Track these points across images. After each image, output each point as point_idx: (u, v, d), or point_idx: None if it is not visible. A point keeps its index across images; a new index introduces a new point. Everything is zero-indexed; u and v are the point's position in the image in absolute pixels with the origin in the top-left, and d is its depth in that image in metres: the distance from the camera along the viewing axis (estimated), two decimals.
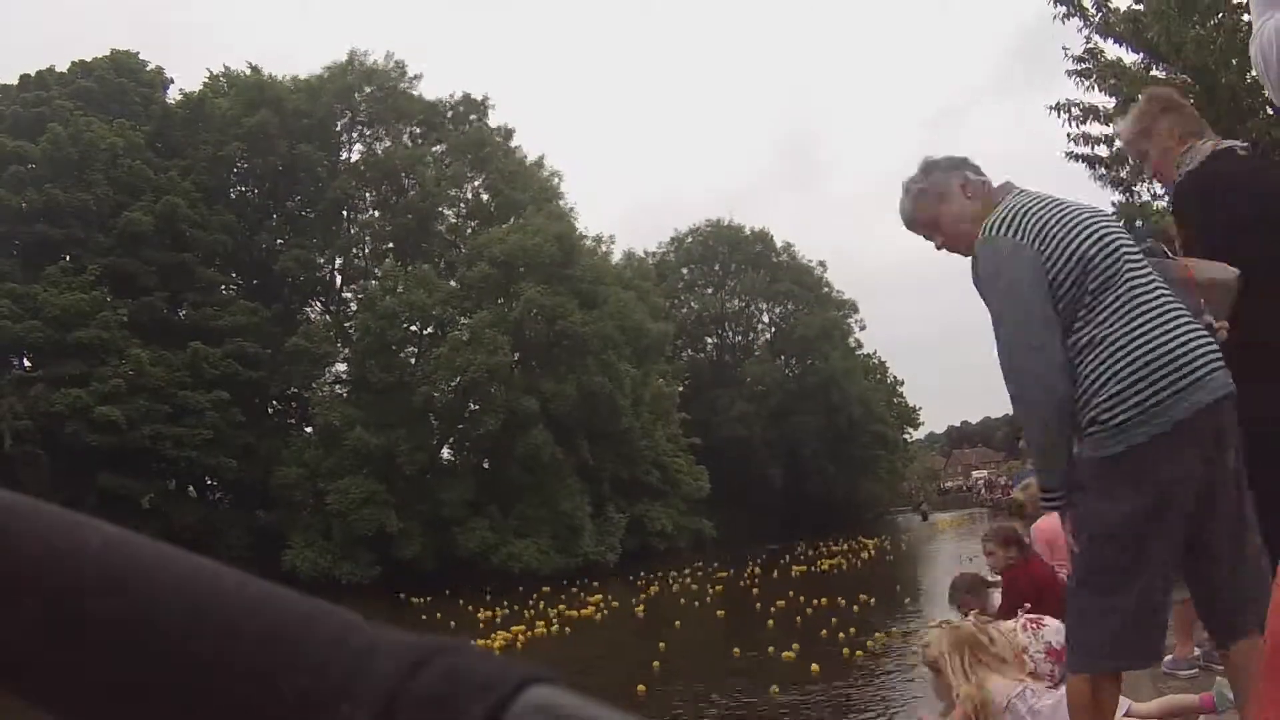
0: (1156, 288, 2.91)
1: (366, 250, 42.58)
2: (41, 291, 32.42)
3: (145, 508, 31.87)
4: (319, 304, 43.08)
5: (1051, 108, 12.74)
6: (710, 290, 61.63)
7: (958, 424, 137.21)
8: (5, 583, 0.40)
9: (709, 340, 62.43)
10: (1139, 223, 11.85)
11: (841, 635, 16.98)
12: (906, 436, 72.12)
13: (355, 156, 42.15)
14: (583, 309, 36.92)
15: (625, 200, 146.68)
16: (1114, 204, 12.54)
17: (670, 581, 30.18)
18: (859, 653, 15.70)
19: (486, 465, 38.06)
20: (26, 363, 34.13)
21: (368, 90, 41.02)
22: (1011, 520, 7.00)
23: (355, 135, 42.11)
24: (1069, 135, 12.71)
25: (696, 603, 25.22)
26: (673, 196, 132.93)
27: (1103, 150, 12.79)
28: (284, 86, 39.79)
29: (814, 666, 14.55)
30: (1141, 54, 12.06)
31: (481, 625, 22.53)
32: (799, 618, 19.53)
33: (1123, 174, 12.83)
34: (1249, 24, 12.11)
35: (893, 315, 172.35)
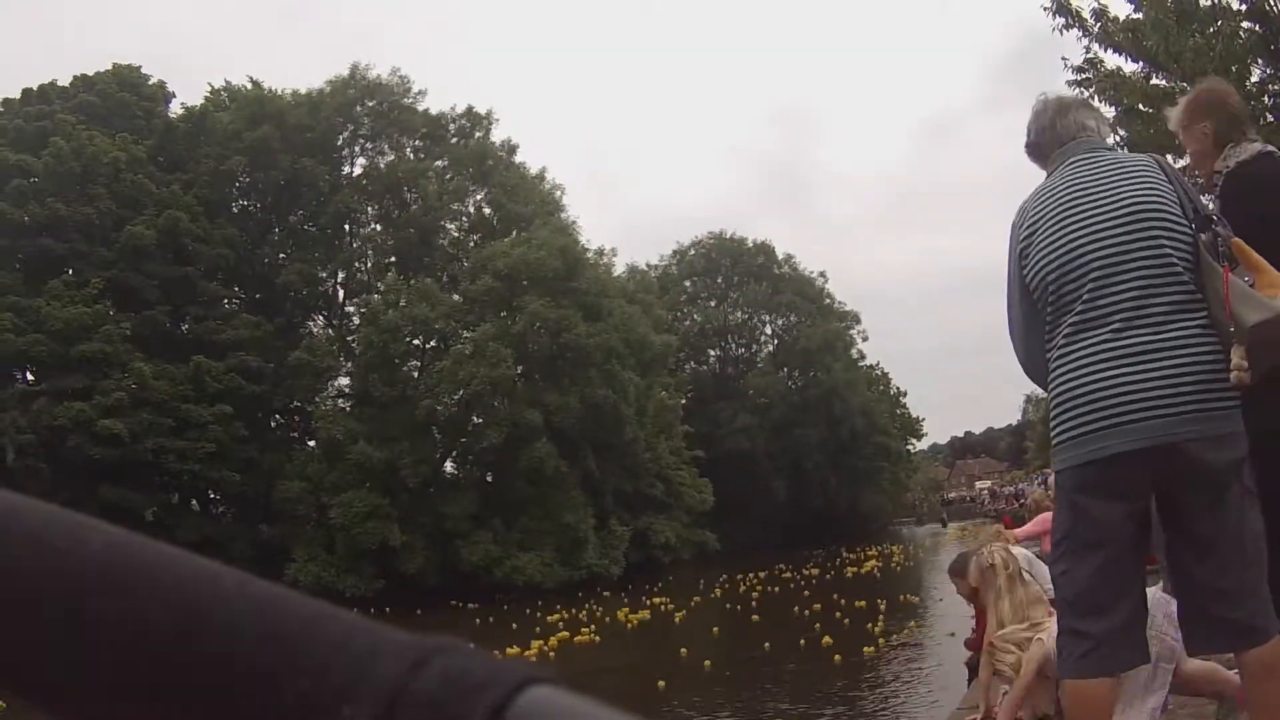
0: (1126, 309, 2.79)
1: (369, 264, 42.62)
2: (44, 305, 32.47)
3: (148, 521, 31.84)
4: (321, 318, 43.11)
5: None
6: (713, 303, 61.69)
7: (961, 434, 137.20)
8: (6, 582, 0.40)
9: (712, 353, 62.46)
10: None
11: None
12: (910, 447, 72.07)
13: (357, 170, 42.25)
14: (586, 321, 36.90)
15: (614, 218, 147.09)
16: None
17: (707, 590, 29.97)
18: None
19: (490, 478, 38.01)
20: (29, 376, 34.17)
21: (370, 104, 41.11)
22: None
23: (357, 149, 42.21)
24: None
25: (739, 606, 25.47)
26: (661, 217, 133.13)
27: None
28: (285, 101, 39.89)
29: None
30: (1141, 63, 12.08)
31: (539, 630, 22.58)
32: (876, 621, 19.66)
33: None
34: (1248, 31, 12.16)
35: (895, 328, 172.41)
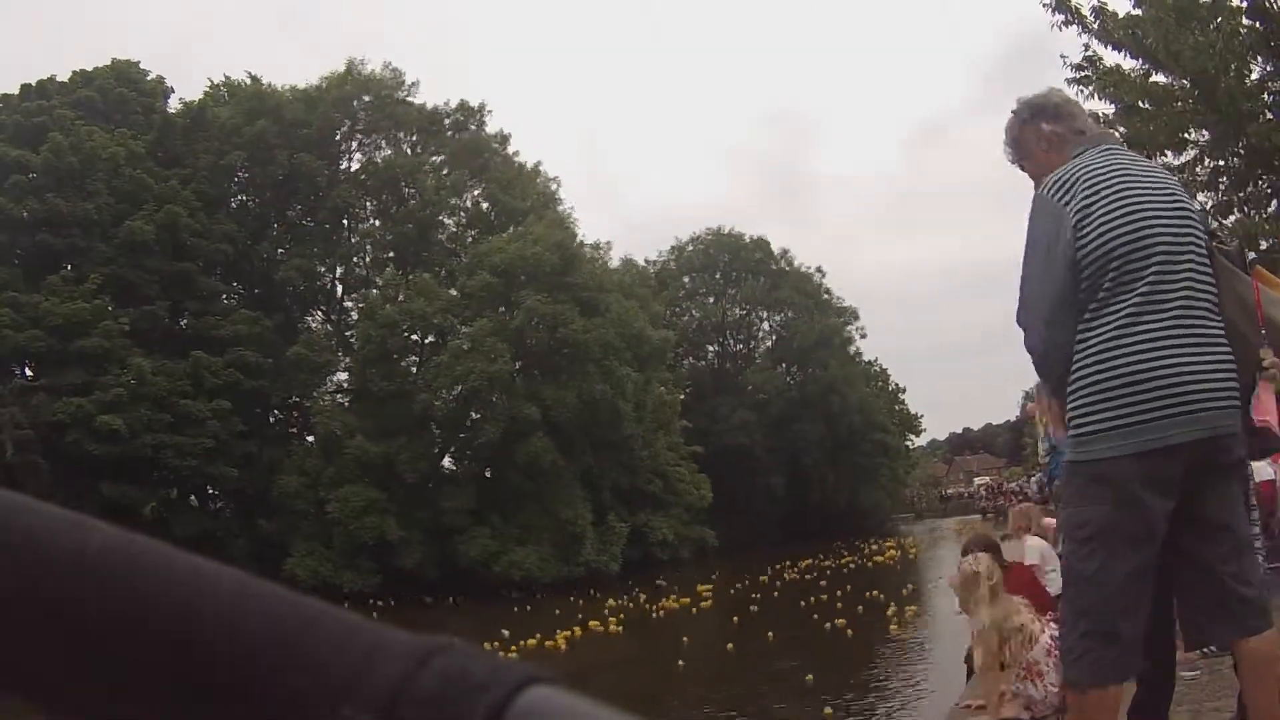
0: (1181, 300, 2.80)
1: (367, 259, 42.60)
2: (43, 301, 32.45)
3: (147, 517, 31.83)
4: (320, 313, 43.08)
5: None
6: (711, 299, 61.60)
7: (959, 430, 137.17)
8: (5, 582, 0.40)
9: (710, 348, 62.39)
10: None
11: None
12: (908, 443, 71.97)
13: (355, 165, 42.24)
14: (583, 316, 36.86)
15: (613, 218, 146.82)
16: None
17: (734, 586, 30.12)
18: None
19: (488, 474, 37.99)
20: (28, 372, 34.15)
21: (366, 99, 41.05)
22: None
23: (354, 144, 42.19)
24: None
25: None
26: (659, 217, 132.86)
27: None
28: (283, 96, 39.84)
29: None
30: (1140, 60, 12.06)
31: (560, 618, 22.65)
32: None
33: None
34: (1248, 28, 12.17)
35: (893, 324, 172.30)
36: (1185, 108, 12.16)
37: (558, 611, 25.24)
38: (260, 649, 0.38)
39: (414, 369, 39.09)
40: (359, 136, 41.90)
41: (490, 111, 44.04)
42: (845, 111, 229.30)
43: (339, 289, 42.68)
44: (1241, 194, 12.60)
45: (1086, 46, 12.37)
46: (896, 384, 71.54)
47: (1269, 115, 11.71)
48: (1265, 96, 11.93)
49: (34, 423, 30.62)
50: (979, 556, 5.12)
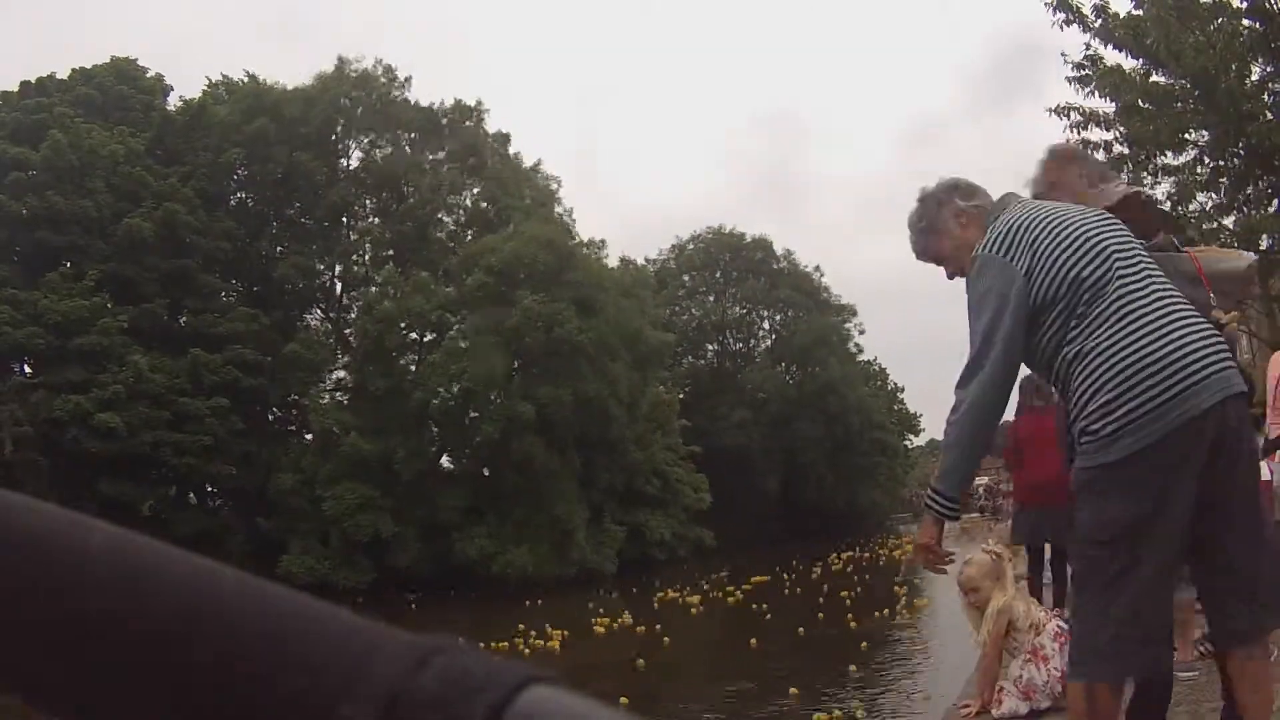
0: (1152, 289, 2.88)
1: (366, 257, 42.52)
2: (42, 298, 32.42)
3: (145, 514, 31.81)
4: (319, 311, 43.06)
5: (1051, 110, 12.74)
6: (711, 297, 61.57)
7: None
8: (5, 582, 0.40)
9: (710, 347, 62.34)
10: None
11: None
12: (907, 443, 71.93)
13: (354, 163, 42.19)
14: (581, 315, 36.80)
15: (612, 219, 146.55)
16: None
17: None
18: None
19: (486, 472, 37.96)
20: (27, 369, 34.12)
21: (361, 97, 41.02)
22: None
23: (353, 142, 42.15)
24: (1068, 139, 12.71)
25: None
26: (657, 217, 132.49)
27: (1100, 156, 12.79)
28: (281, 94, 39.81)
29: None
30: (1141, 59, 12.07)
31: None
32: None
33: (1122, 177, 12.81)
34: (1249, 29, 12.18)
35: (892, 323, 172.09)
36: (1185, 108, 12.18)
37: (570, 609, 25.23)
38: (260, 649, 0.38)
39: (412, 367, 39.09)
40: (357, 135, 41.88)
41: (488, 110, 44.02)
42: (841, 111, 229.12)
43: (338, 287, 42.64)
44: (1241, 194, 12.62)
45: (1087, 45, 12.38)
46: (895, 383, 71.59)
47: (1269, 115, 11.72)
48: (1265, 97, 11.95)
49: (32, 420, 30.61)
50: (988, 549, 5.62)
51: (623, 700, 13.73)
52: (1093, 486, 2.82)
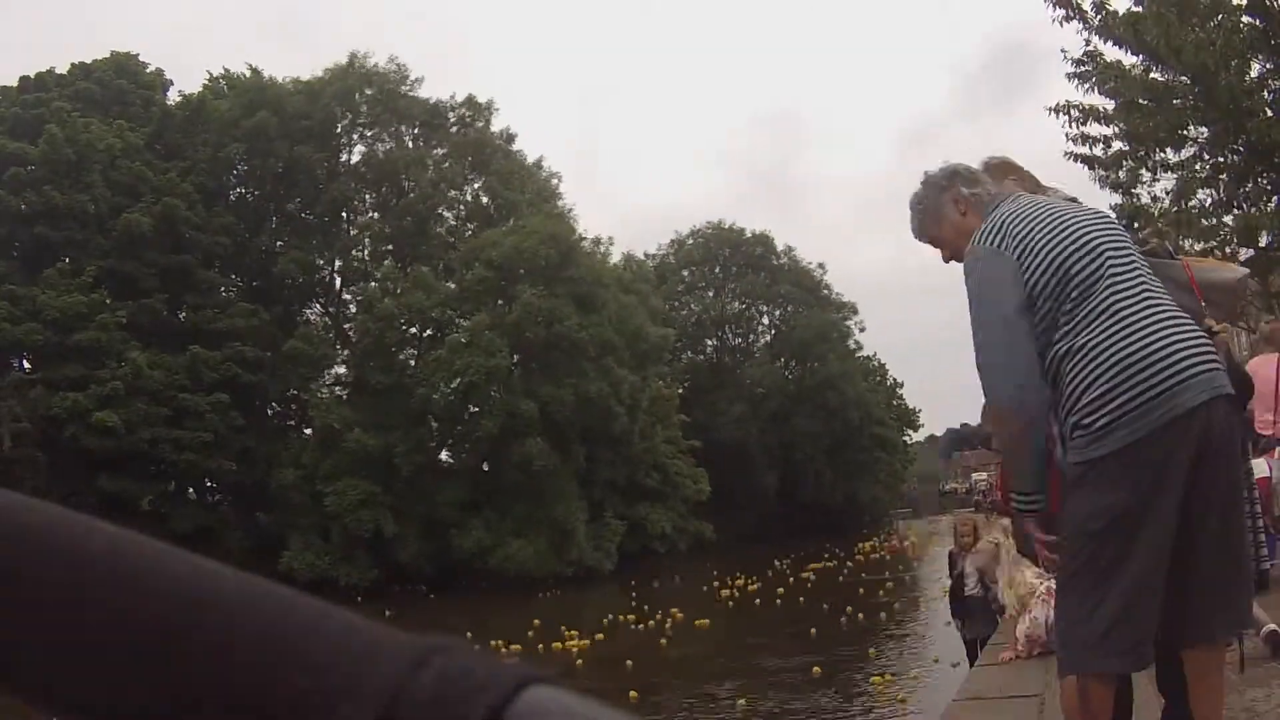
0: (1143, 289, 2.90)
1: (366, 252, 42.48)
2: (40, 294, 32.39)
3: (145, 510, 31.82)
4: (319, 306, 43.03)
5: (1050, 109, 12.72)
6: (711, 292, 61.49)
7: (958, 426, 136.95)
8: (6, 583, 0.40)
9: (709, 342, 62.29)
10: (1137, 224, 11.86)
11: None
12: (906, 438, 71.82)
13: (355, 158, 42.11)
14: (581, 312, 36.77)
15: (610, 220, 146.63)
16: (1112, 206, 12.53)
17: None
18: None
19: (485, 467, 37.94)
20: (26, 365, 34.11)
21: (368, 92, 40.95)
22: None
23: (355, 137, 42.06)
24: (1067, 136, 12.71)
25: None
26: (656, 218, 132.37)
27: (1100, 151, 12.78)
28: (284, 88, 39.75)
29: None
30: (1141, 56, 12.06)
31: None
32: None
33: (1121, 175, 12.82)
34: (1249, 25, 12.15)
35: (892, 320, 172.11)
36: (1185, 104, 12.16)
37: (593, 609, 25.33)
38: (260, 649, 0.38)
39: (412, 362, 39.07)
40: (360, 129, 41.79)
41: (497, 109, 43.83)
42: (841, 111, 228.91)
43: (337, 282, 42.61)
44: (1241, 190, 12.60)
45: (1087, 42, 12.36)
46: (895, 378, 71.48)
47: (1269, 112, 11.70)
48: (1265, 93, 11.93)
49: (31, 416, 30.60)
50: (996, 536, 6.85)
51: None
52: (1084, 479, 2.84)
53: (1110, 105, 12.67)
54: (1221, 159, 12.65)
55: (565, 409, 36.18)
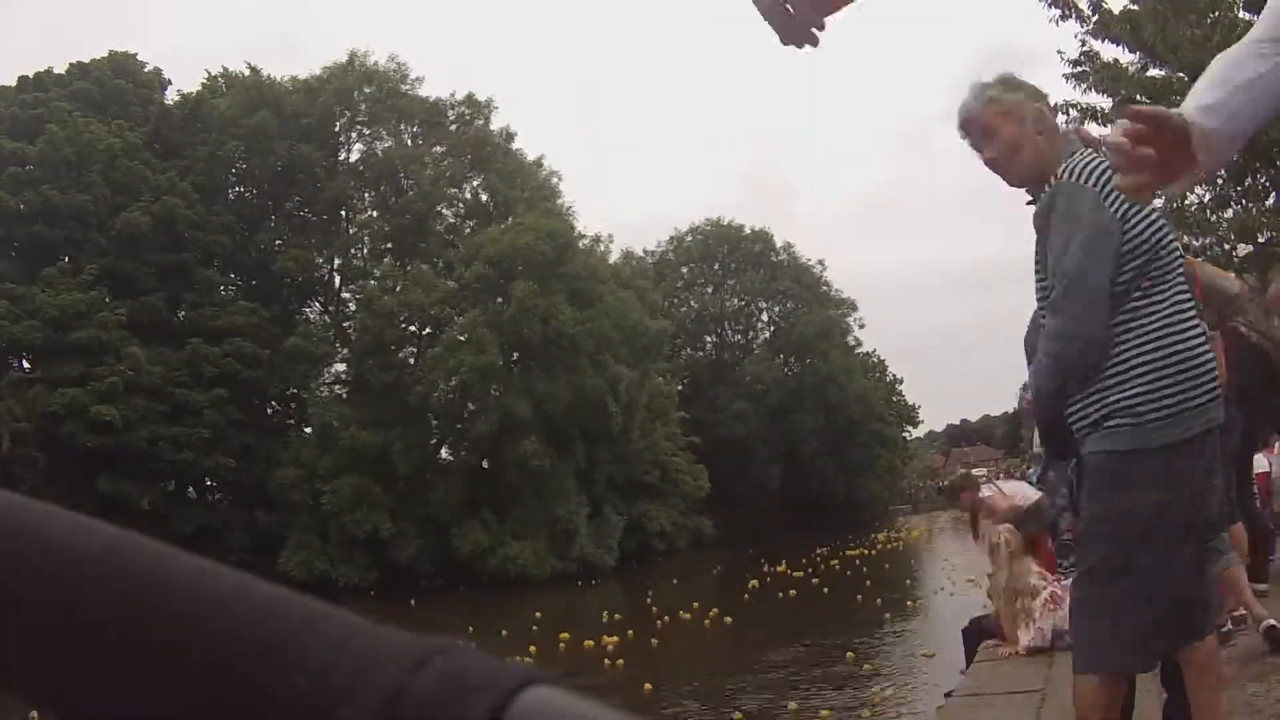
0: (1191, 293, 2.89)
1: (365, 250, 42.51)
2: (39, 292, 32.41)
3: (144, 509, 31.82)
4: (318, 304, 43.04)
5: (1049, 109, 12.72)
6: (710, 289, 61.55)
7: (957, 422, 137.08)
8: (6, 584, 0.40)
9: (708, 339, 62.35)
10: None
11: None
12: (906, 434, 71.95)
13: (354, 157, 42.13)
14: (577, 308, 36.74)
15: (607, 214, 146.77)
16: None
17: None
18: None
19: (484, 465, 37.95)
20: (25, 364, 34.11)
21: (368, 91, 40.95)
22: None
23: (354, 135, 42.07)
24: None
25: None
26: (649, 217, 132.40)
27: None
28: (283, 87, 39.77)
29: None
30: (1138, 54, 12.06)
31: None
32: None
33: None
34: (1246, 22, 12.19)
35: (891, 316, 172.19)
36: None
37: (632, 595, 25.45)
38: (260, 651, 0.38)
39: (411, 360, 39.07)
40: (359, 127, 41.79)
41: (497, 107, 43.82)
42: (840, 113, 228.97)
43: (336, 280, 42.62)
44: (1239, 188, 12.60)
45: (1083, 41, 12.36)
46: (894, 375, 71.54)
47: None
48: None
49: (30, 415, 30.59)
50: (1000, 529, 6.48)
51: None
52: (1113, 474, 2.77)
53: (1108, 104, 12.67)
54: None
55: (561, 405, 36.14)
